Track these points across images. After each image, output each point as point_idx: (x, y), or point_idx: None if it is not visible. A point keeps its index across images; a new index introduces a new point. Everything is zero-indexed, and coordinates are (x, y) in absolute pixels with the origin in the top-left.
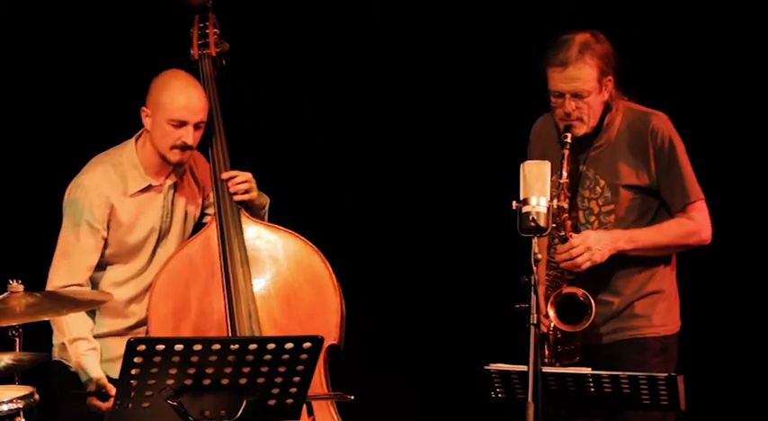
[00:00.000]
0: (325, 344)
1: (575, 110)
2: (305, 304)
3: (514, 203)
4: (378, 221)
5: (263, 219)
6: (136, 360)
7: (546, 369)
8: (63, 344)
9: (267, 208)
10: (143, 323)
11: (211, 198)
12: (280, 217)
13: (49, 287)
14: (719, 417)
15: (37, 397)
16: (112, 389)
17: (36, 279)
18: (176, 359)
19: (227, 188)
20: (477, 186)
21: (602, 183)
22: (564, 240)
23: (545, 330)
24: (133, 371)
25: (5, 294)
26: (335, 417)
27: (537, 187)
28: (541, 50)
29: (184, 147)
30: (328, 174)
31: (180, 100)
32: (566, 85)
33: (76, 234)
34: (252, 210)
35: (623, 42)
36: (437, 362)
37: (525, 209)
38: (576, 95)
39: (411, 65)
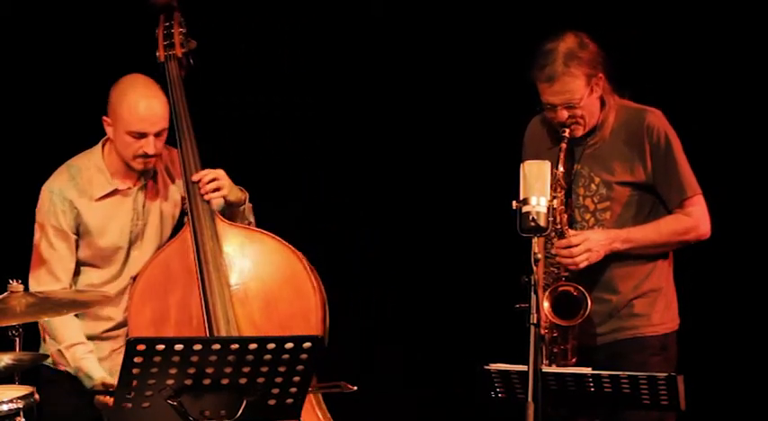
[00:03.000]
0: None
1: (569, 117)
2: (284, 305)
3: (514, 203)
4: (377, 221)
5: (244, 214)
6: (136, 360)
7: (546, 369)
8: (59, 350)
9: (247, 202)
10: (121, 325)
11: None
12: (283, 218)
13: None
14: (719, 417)
15: (37, 397)
16: None
17: None
18: (176, 359)
19: (199, 190)
20: (478, 186)
21: (597, 180)
22: (560, 233)
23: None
24: (133, 371)
25: (5, 294)
26: (322, 418)
27: (537, 187)
28: (528, 59)
29: (146, 156)
30: (327, 175)
31: (138, 111)
32: (556, 98)
33: (47, 239)
34: (230, 207)
35: (618, 41)
36: (437, 361)
37: (525, 209)
38: (569, 106)
39: (409, 65)
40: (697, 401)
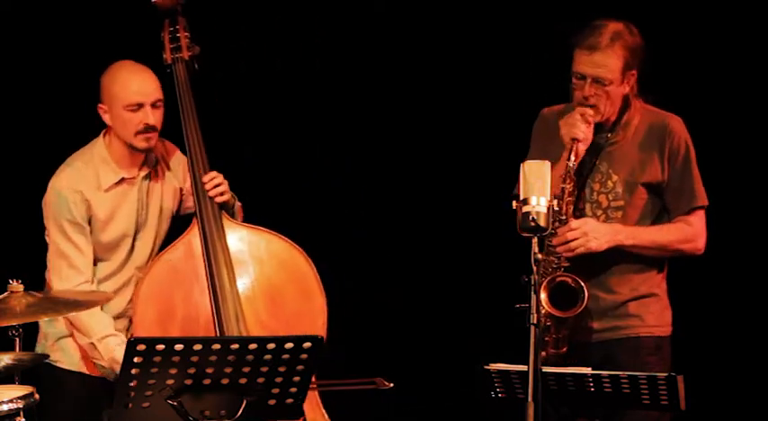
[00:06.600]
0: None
1: (593, 95)
2: (291, 304)
3: (514, 203)
4: (377, 221)
5: (235, 215)
6: (136, 360)
7: (546, 369)
8: (91, 344)
9: (237, 207)
10: (120, 315)
11: (191, 199)
12: (283, 218)
13: (57, 291)
14: (719, 417)
15: (37, 396)
16: None
17: (36, 279)
18: (176, 359)
19: (207, 191)
20: (477, 186)
21: (615, 178)
22: (564, 224)
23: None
24: (133, 371)
25: (5, 294)
26: (326, 418)
27: (537, 187)
28: (571, 28)
29: (148, 129)
30: (327, 175)
31: (131, 84)
32: (590, 69)
33: (64, 234)
34: (223, 209)
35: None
36: (437, 361)
37: (525, 208)
38: (598, 81)
39: (409, 64)
40: (697, 401)
